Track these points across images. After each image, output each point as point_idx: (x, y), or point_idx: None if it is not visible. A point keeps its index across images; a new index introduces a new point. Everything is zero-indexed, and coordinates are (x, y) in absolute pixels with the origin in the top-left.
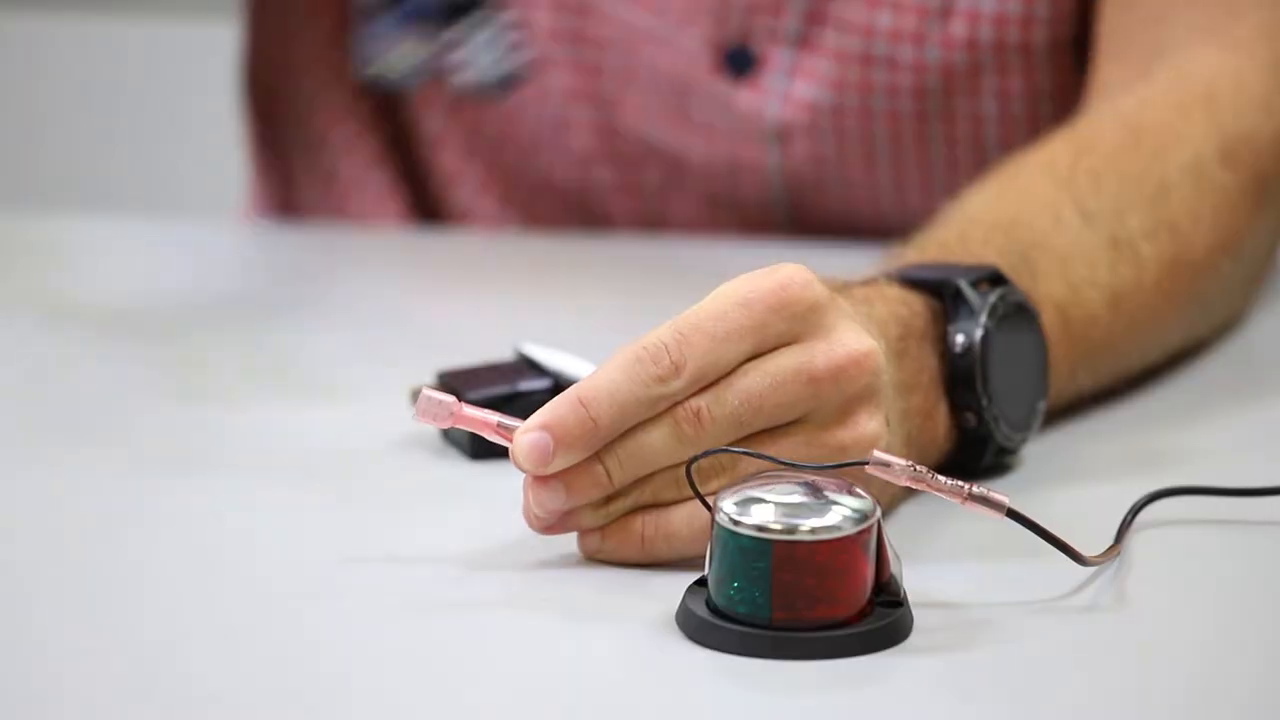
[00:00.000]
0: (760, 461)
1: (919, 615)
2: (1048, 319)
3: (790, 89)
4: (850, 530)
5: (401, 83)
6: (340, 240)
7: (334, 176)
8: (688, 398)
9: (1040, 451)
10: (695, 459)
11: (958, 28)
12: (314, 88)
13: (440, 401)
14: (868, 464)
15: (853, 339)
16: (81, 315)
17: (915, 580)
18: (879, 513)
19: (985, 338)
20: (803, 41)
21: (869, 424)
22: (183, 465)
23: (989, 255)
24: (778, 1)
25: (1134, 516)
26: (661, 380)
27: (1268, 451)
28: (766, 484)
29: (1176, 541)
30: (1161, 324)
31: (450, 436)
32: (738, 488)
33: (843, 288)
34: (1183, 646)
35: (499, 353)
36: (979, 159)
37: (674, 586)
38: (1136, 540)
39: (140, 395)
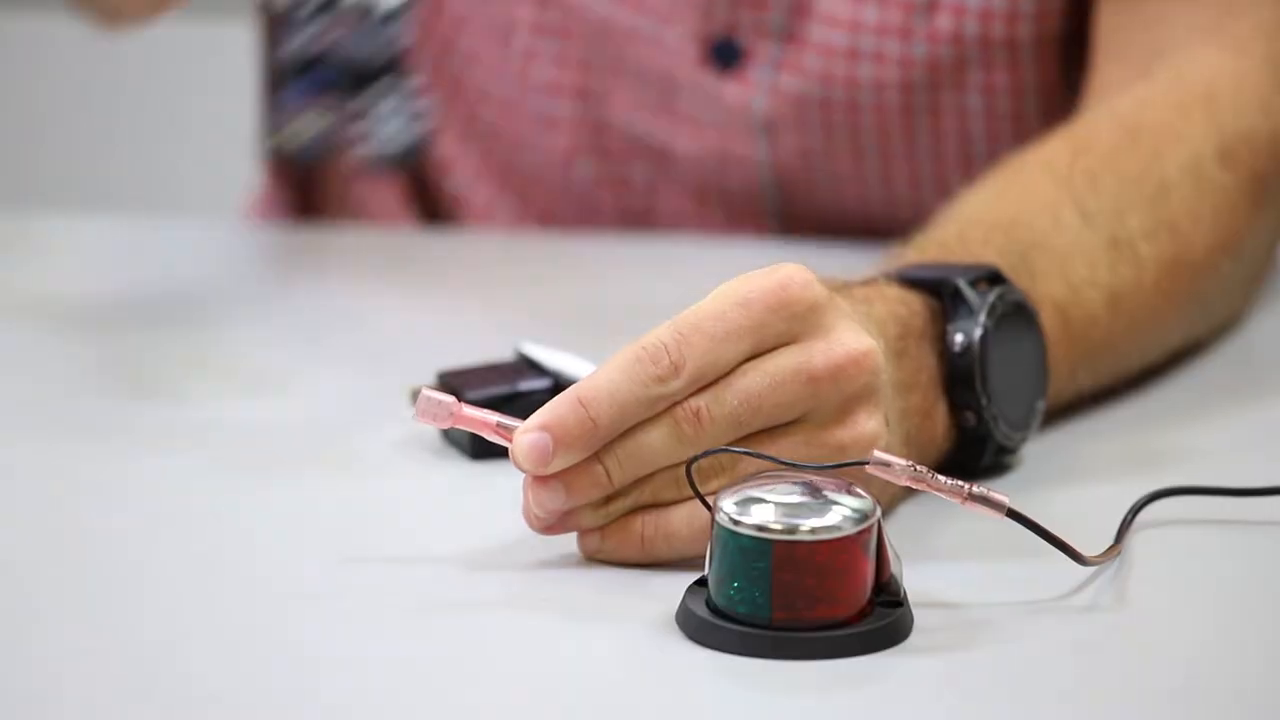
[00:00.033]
0: (760, 461)
1: (919, 615)
2: (1047, 319)
3: (776, 82)
4: (850, 530)
5: (301, 155)
6: (340, 240)
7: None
8: (687, 398)
9: (1040, 451)
10: (695, 459)
11: (943, 22)
12: None
13: (440, 401)
14: (868, 464)
15: (852, 339)
16: (81, 315)
17: (915, 580)
18: (879, 513)
19: (984, 337)
20: (787, 35)
21: (868, 423)
22: (183, 465)
23: (988, 255)
24: None
25: (1134, 516)
26: (661, 380)
27: (1268, 451)
28: (766, 484)
29: (1176, 541)
30: (1161, 324)
31: (450, 436)
32: (738, 488)
33: (842, 287)
34: (1183, 646)
35: (499, 353)
36: (965, 153)
37: (674, 586)
38: (1136, 540)
39: (140, 394)
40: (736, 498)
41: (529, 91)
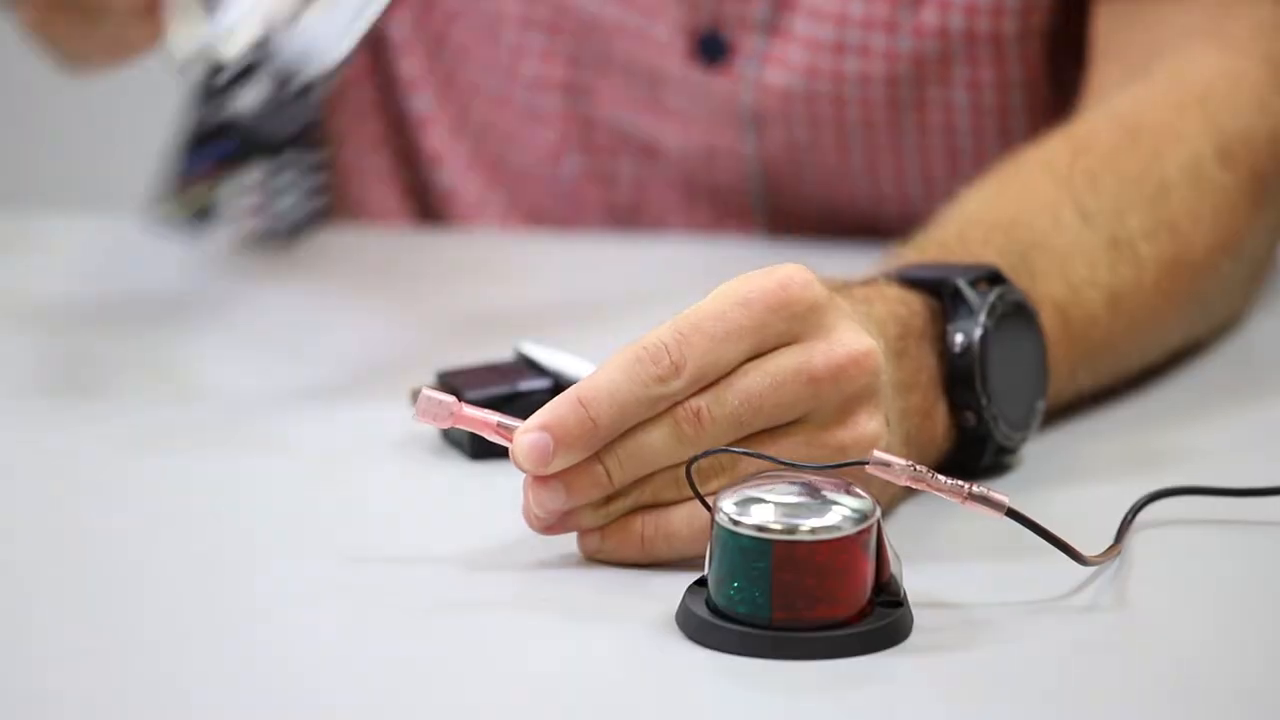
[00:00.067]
0: (760, 461)
1: (919, 615)
2: (1047, 319)
3: (762, 76)
4: (850, 530)
5: (187, 227)
6: (340, 240)
7: (336, 163)
8: (688, 398)
9: (1040, 451)
10: (695, 459)
11: (929, 16)
12: None
13: (440, 401)
14: (868, 464)
15: (852, 339)
16: (81, 315)
17: (915, 580)
18: (879, 513)
19: (984, 337)
20: (773, 28)
21: (868, 424)
22: (182, 465)
23: (988, 255)
24: None
25: (1134, 516)
26: (661, 380)
27: (1268, 451)
28: (766, 484)
29: (1176, 541)
30: (1161, 324)
31: (450, 436)
32: (738, 488)
33: (842, 287)
34: (1183, 646)
35: (499, 353)
36: (950, 148)
37: (674, 586)
38: (1136, 540)
39: (140, 392)
40: (736, 498)
41: (517, 86)
